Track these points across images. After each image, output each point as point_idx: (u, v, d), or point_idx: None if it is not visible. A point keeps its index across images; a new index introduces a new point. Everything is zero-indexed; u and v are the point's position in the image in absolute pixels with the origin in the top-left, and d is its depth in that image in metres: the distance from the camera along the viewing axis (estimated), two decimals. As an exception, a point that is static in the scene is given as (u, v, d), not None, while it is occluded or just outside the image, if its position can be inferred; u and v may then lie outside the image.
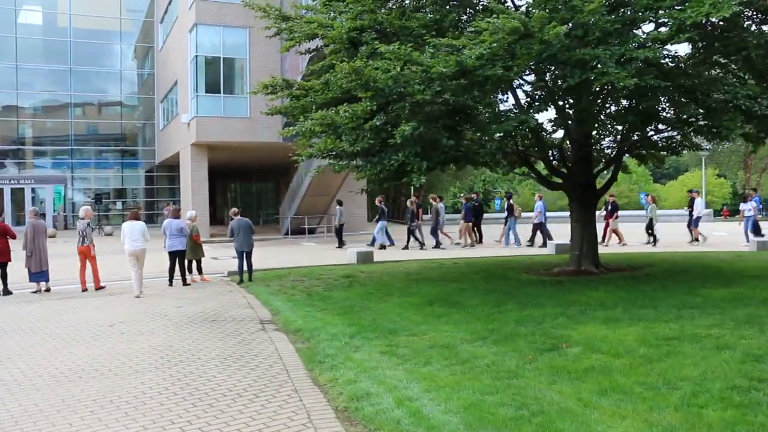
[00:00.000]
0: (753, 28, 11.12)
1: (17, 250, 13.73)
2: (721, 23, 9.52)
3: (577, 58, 8.96)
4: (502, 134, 10.38)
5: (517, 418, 4.89)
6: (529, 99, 11.66)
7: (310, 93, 12.40)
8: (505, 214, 23.97)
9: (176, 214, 14.36)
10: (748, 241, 21.21)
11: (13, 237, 13.44)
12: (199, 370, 7.04)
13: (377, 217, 23.66)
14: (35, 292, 13.30)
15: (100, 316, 10.55)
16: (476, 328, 8.32)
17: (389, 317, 9.42)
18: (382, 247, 22.73)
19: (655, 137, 14.05)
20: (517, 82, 11.97)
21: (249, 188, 52.69)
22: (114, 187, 42.98)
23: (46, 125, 41.55)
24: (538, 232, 22.57)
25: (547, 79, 11.36)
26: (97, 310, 11.07)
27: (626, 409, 4.98)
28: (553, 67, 10.31)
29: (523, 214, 27.23)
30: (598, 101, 11.82)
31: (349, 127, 10.29)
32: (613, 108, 12.38)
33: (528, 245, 22.42)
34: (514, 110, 11.67)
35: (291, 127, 11.79)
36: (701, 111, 9.87)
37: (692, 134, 14.42)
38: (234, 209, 14.64)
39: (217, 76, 29.48)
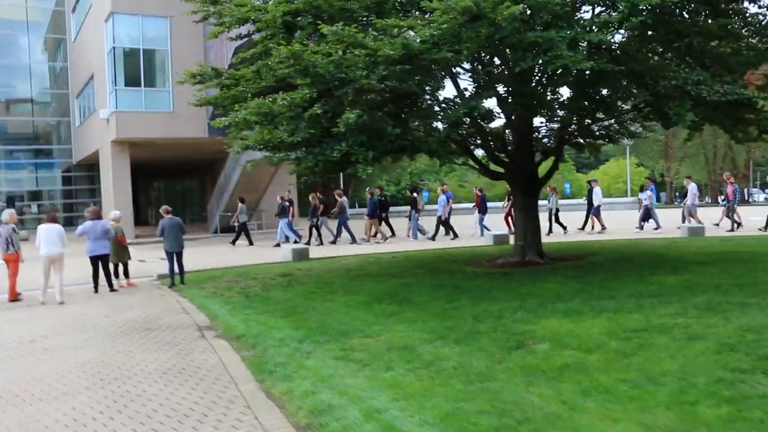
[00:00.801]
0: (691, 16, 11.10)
1: None
2: (668, 9, 9.36)
3: (529, 41, 8.62)
4: (448, 122, 9.97)
5: (502, 427, 4.47)
6: (474, 86, 11.27)
7: (241, 82, 11.70)
8: (408, 208, 23.94)
9: (98, 215, 13.37)
10: (641, 228, 22.46)
11: None
12: (137, 388, 6.35)
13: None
14: (-58, 306, 12.13)
15: (19, 330, 9.62)
16: (433, 326, 7.90)
17: (337, 318, 8.90)
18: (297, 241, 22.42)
19: (594, 126, 14.00)
20: (456, 70, 11.56)
21: (173, 186, 50.96)
22: (28, 189, 40.63)
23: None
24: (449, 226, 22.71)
25: (496, 64, 11.01)
26: (15, 324, 10.11)
27: (615, 410, 4.64)
28: (502, 52, 9.94)
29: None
30: (544, 88, 11.55)
31: (287, 117, 9.66)
32: (565, 94, 12.08)
33: (430, 239, 22.20)
34: (457, 98, 11.26)
35: (223, 118, 11.03)
36: (650, 97, 9.72)
37: (630, 122, 14.48)
38: (165, 207, 13.76)
39: (137, 68, 28.06)
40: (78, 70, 36.33)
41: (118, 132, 27.11)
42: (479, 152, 15.13)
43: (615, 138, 15.22)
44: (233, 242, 23.87)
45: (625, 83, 10.17)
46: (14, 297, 12.50)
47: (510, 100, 10.53)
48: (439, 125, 11.21)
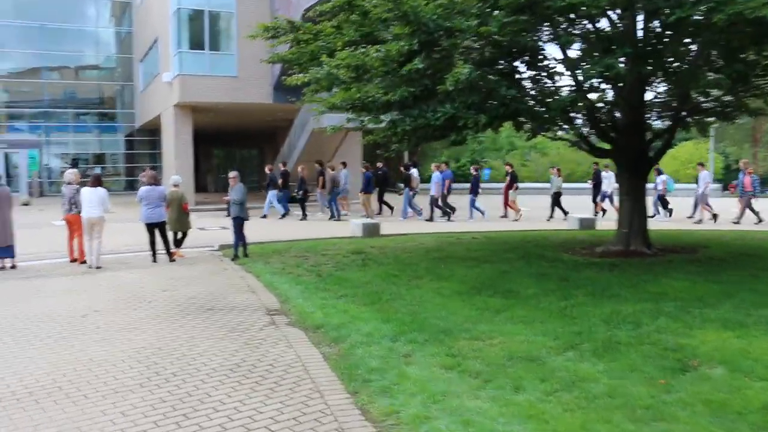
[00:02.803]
0: None
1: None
2: None
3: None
4: (575, 86, 8.37)
5: None
6: (601, 44, 9.54)
7: (320, 36, 10.34)
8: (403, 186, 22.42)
9: (154, 180, 12.29)
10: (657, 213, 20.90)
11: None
12: (200, 390, 5.13)
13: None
14: (-1, 269, 11.29)
15: (72, 301, 8.57)
16: (555, 329, 6.48)
17: (432, 310, 7.53)
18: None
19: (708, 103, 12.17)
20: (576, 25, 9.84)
21: (233, 154, 50.32)
22: (92, 152, 40.42)
23: (18, 87, 38.63)
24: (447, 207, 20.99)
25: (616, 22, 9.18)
26: (69, 294, 9.07)
27: None
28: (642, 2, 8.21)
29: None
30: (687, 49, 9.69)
31: (380, 72, 8.24)
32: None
33: (427, 220, 20.48)
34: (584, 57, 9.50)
35: (300, 75, 9.68)
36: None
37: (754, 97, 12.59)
38: (232, 173, 12.63)
39: (202, 31, 27.03)
40: (143, 34, 35.66)
41: (181, 95, 26.21)
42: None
43: (732, 115, 13.32)
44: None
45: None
46: (82, 259, 11.81)
47: (648, 64, 8.67)
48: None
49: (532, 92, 9.20)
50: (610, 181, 21.01)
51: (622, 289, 8.36)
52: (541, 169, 60.69)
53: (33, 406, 4.89)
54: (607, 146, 12.17)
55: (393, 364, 5.57)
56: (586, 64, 8.35)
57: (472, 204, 20.90)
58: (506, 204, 21.53)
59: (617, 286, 8.57)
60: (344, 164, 22.88)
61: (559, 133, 12.91)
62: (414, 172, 21.43)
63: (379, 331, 6.64)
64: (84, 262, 11.77)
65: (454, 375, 5.23)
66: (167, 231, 12.20)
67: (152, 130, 37.05)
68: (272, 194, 21.85)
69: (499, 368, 5.33)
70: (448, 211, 20.73)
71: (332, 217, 21.11)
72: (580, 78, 8.50)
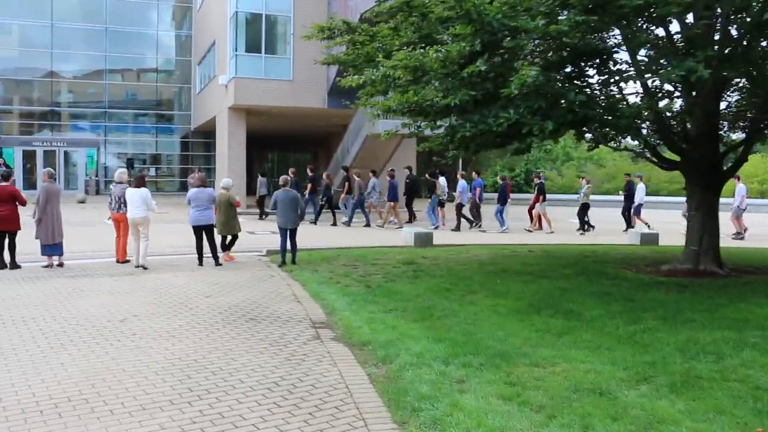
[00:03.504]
0: None
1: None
2: None
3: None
4: (646, 91, 7.72)
5: None
6: (674, 47, 8.89)
7: (377, 37, 9.91)
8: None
9: (203, 182, 12.04)
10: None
11: (23, 203, 11.24)
12: (234, 411, 4.72)
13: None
14: (46, 266, 11.17)
15: (113, 304, 8.31)
16: (625, 358, 5.86)
17: (488, 329, 6.99)
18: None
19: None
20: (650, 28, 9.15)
21: (286, 159, 50.48)
22: (149, 153, 40.98)
23: (81, 88, 39.39)
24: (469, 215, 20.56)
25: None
26: (111, 296, 8.83)
27: None
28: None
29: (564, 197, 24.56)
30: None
31: (439, 74, 7.74)
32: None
33: (454, 230, 19.65)
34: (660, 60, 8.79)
35: (355, 77, 9.26)
36: None
37: None
38: (284, 177, 12.31)
39: (259, 34, 27.03)
40: (201, 37, 36.00)
41: (236, 98, 26.21)
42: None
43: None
44: (260, 217, 22.98)
45: None
46: (123, 259, 11.74)
47: (732, 67, 7.89)
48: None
49: (600, 98, 8.55)
50: (642, 194, 20.07)
51: (696, 313, 7.65)
52: (596, 181, 59.14)
53: (55, 420, 4.55)
54: (676, 158, 11.41)
55: (445, 391, 5.06)
56: (662, 69, 7.67)
57: (498, 213, 20.24)
58: (531, 215, 20.72)
59: (690, 310, 7.86)
60: (374, 172, 22.67)
61: (623, 143, 12.19)
62: (441, 180, 20.87)
63: (430, 352, 6.13)
64: (126, 261, 11.63)
65: (514, 407, 4.69)
66: (215, 234, 11.95)
67: (207, 132, 37.34)
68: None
69: (563, 401, 4.77)
70: (471, 220, 20.21)
71: (367, 224, 20.84)
72: (652, 83, 7.82)
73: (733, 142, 11.90)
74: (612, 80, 8.65)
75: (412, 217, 21.94)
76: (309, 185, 21.85)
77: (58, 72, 37.94)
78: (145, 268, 11.08)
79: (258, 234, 17.55)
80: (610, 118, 8.08)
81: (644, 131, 11.52)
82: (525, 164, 74.40)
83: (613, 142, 11.81)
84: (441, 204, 20.74)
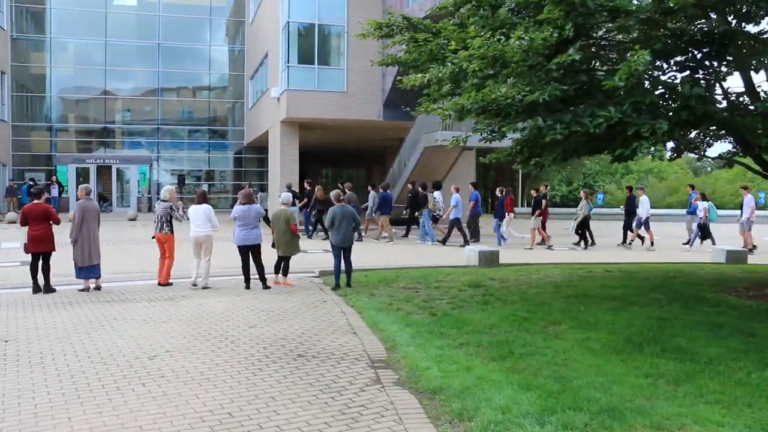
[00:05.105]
0: None
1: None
2: None
3: None
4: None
5: None
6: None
7: (442, 33, 8.80)
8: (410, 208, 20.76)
9: (250, 199, 11.02)
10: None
11: (57, 222, 10.45)
12: (273, 495, 3.60)
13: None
14: (83, 290, 10.35)
15: (146, 336, 7.35)
16: (773, 418, 4.55)
17: (585, 374, 5.72)
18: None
19: None
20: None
21: (341, 174, 49.66)
22: (202, 169, 40.72)
23: (134, 104, 39.44)
24: (461, 229, 18.96)
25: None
26: (145, 326, 7.87)
27: None
28: None
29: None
30: None
31: (521, 67, 6.53)
32: None
33: (462, 245, 18.00)
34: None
35: (419, 75, 8.13)
36: None
37: None
38: (337, 192, 11.24)
39: (311, 45, 26.24)
40: (254, 51, 35.53)
41: (288, 111, 25.44)
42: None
43: None
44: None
45: None
46: (165, 281, 10.88)
47: None
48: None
49: (717, 93, 7.20)
50: (646, 207, 18.45)
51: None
52: (659, 194, 56.66)
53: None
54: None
55: (548, 469, 3.85)
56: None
57: (496, 228, 19.04)
58: (541, 229, 19.07)
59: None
60: (373, 186, 21.98)
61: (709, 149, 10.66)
62: (437, 194, 19.56)
63: (518, 405, 4.92)
64: (169, 284, 10.78)
65: (648, 499, 3.45)
66: (282, 255, 11.03)
67: (260, 148, 36.81)
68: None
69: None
70: (466, 235, 18.97)
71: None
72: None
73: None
74: (730, 70, 7.24)
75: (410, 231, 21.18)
76: (305, 200, 21.14)
77: (111, 90, 38.05)
78: (206, 288, 10.54)
79: (311, 252, 16.54)
80: (736, 115, 6.68)
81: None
82: (584, 177, 71.90)
83: (697, 149, 10.42)
84: (435, 220, 19.61)
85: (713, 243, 18.16)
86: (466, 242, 18.38)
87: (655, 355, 6.28)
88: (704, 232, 18.62)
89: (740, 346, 6.60)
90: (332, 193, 11.37)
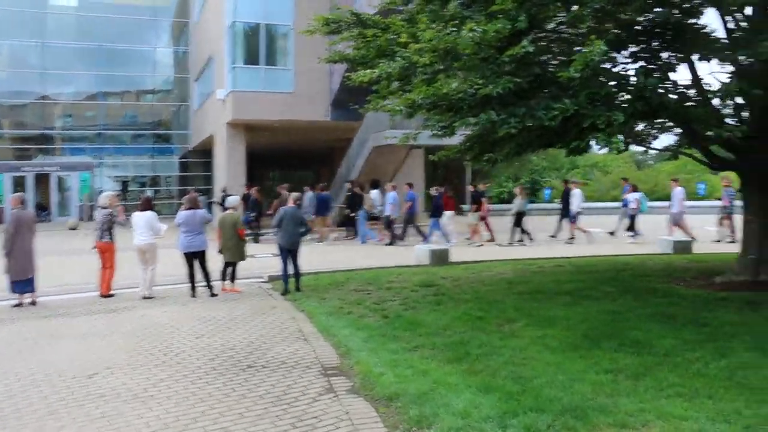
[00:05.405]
0: None
1: None
2: None
3: None
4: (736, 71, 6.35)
5: None
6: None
7: (391, 28, 8.62)
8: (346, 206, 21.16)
9: (194, 204, 10.65)
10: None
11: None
12: None
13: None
14: (16, 305, 9.81)
15: (84, 352, 6.95)
16: (737, 409, 4.50)
17: (544, 372, 5.59)
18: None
19: None
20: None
21: (290, 177, 49.10)
22: (146, 174, 39.68)
23: (74, 108, 38.15)
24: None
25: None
26: (83, 342, 7.45)
27: None
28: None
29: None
30: None
31: (474, 60, 6.37)
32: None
33: (388, 244, 18.43)
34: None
35: (368, 71, 7.90)
36: None
37: None
38: (298, 194, 11.16)
39: (257, 45, 25.76)
40: (198, 52, 34.79)
41: (234, 113, 24.93)
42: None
43: None
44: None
45: None
46: (106, 293, 10.41)
47: None
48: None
49: (668, 82, 7.15)
50: (577, 201, 18.81)
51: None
52: (603, 188, 57.58)
53: None
54: (731, 156, 10.01)
55: (512, 477, 3.68)
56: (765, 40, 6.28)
57: (432, 227, 18.80)
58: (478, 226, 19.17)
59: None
60: (311, 186, 21.60)
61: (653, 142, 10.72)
62: (373, 193, 19.58)
63: (477, 409, 4.75)
64: (110, 295, 10.36)
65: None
66: (229, 261, 10.70)
67: (206, 151, 36.06)
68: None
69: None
70: (395, 235, 18.81)
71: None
72: (745, 61, 6.43)
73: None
74: (685, 59, 7.20)
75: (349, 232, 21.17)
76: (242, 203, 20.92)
77: (50, 94, 36.77)
78: (149, 298, 10.14)
79: (258, 257, 16.14)
80: (689, 106, 6.64)
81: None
82: (530, 173, 72.69)
83: (644, 142, 10.48)
84: (373, 218, 19.59)
85: (635, 234, 18.51)
86: (392, 242, 18.34)
87: (613, 349, 6.20)
88: (631, 222, 18.94)
89: (695, 337, 6.58)
90: (292, 195, 11.14)
